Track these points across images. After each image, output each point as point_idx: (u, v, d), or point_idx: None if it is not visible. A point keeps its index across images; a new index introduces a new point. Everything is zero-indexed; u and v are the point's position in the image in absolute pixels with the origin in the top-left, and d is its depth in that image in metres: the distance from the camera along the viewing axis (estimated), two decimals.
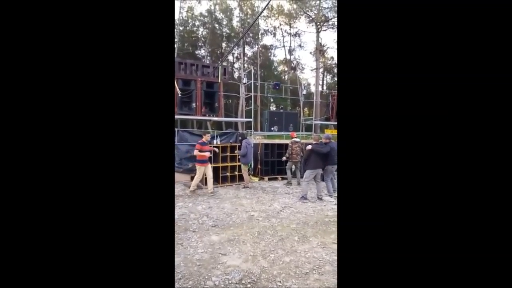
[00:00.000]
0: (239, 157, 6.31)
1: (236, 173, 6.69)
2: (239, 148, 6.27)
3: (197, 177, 5.34)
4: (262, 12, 14.82)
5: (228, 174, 6.51)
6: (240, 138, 6.66)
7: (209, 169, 5.41)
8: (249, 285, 2.14)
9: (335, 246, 2.93)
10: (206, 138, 5.51)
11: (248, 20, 22.82)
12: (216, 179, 6.00)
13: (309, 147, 5.06)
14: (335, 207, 4.57)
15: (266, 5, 4.70)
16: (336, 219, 3.87)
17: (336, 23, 24.69)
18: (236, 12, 24.45)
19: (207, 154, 5.30)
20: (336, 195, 5.33)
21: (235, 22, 24.64)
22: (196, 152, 5.22)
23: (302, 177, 5.66)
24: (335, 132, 11.03)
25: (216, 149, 6.04)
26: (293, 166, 6.71)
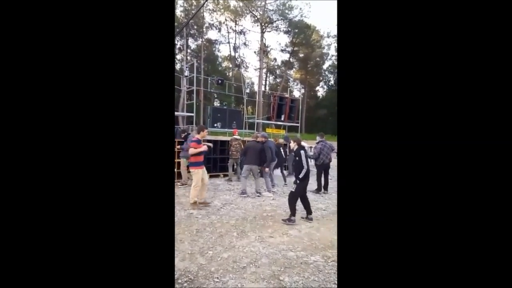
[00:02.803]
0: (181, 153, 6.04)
1: (175, 170, 6.40)
2: (179, 143, 6.01)
3: (195, 185, 4.13)
4: (205, 1, 14.42)
5: None
6: (184, 134, 6.41)
7: (205, 174, 4.35)
8: (185, 284, 2.09)
9: (272, 240, 3.08)
10: (203, 135, 4.39)
11: (193, 11, 21.97)
12: None
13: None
14: (273, 202, 4.80)
15: None
16: (273, 213, 4.08)
17: (279, 26, 25.84)
18: (180, 1, 23.30)
19: (198, 150, 4.12)
20: (274, 190, 5.61)
21: (179, 12, 23.44)
22: (192, 151, 4.11)
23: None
24: (275, 131, 11.54)
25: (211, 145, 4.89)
26: (234, 163, 6.78)
